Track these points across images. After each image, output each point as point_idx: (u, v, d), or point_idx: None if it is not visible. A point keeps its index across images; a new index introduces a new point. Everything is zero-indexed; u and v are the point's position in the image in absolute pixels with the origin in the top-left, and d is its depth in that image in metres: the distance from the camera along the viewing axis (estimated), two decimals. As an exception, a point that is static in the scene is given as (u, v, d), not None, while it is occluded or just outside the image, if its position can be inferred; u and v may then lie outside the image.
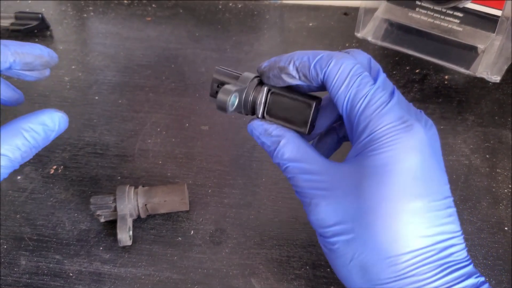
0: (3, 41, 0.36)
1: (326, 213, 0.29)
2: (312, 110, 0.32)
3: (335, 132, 0.36)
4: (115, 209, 0.37)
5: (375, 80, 0.29)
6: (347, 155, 0.30)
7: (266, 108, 0.33)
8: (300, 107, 0.32)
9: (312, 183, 0.30)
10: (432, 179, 0.28)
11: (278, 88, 0.32)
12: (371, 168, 0.27)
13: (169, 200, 0.38)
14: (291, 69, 0.31)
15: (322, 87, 0.31)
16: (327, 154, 0.36)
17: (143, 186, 0.39)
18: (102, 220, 0.38)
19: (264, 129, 0.32)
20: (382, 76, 0.30)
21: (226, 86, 0.31)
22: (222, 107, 0.30)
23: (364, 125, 0.28)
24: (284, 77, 0.31)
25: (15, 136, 0.32)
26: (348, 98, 0.29)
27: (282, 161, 0.31)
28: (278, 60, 0.32)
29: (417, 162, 0.27)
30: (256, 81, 0.33)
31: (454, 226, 0.28)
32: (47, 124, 0.33)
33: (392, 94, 0.29)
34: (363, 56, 0.31)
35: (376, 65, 0.31)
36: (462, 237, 0.28)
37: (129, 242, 0.37)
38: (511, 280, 0.35)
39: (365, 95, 0.28)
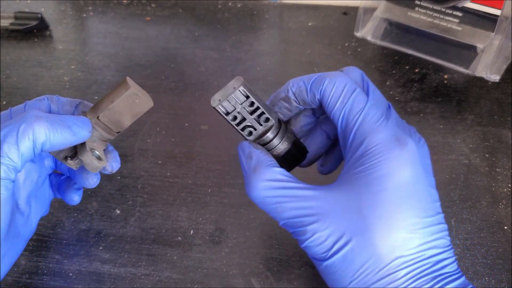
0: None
1: (324, 236, 0.28)
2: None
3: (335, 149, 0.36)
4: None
5: (368, 95, 0.30)
6: (340, 173, 0.30)
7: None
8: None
9: (302, 211, 0.29)
10: (425, 196, 0.28)
11: None
12: (367, 186, 0.28)
13: (114, 96, 0.31)
14: (291, 95, 0.32)
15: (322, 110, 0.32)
16: (332, 168, 0.36)
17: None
18: (74, 165, 0.33)
19: (248, 151, 0.31)
20: (373, 91, 0.31)
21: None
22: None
23: (359, 141, 0.29)
24: (288, 106, 0.33)
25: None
26: (343, 114, 0.30)
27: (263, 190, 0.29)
28: (277, 94, 0.33)
29: (410, 178, 0.28)
30: None
31: (445, 241, 0.28)
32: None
33: (387, 110, 0.30)
34: (356, 73, 0.32)
35: (367, 81, 0.32)
36: (452, 251, 0.29)
37: (101, 164, 0.32)
38: (511, 280, 0.35)
39: (359, 112, 0.29)
